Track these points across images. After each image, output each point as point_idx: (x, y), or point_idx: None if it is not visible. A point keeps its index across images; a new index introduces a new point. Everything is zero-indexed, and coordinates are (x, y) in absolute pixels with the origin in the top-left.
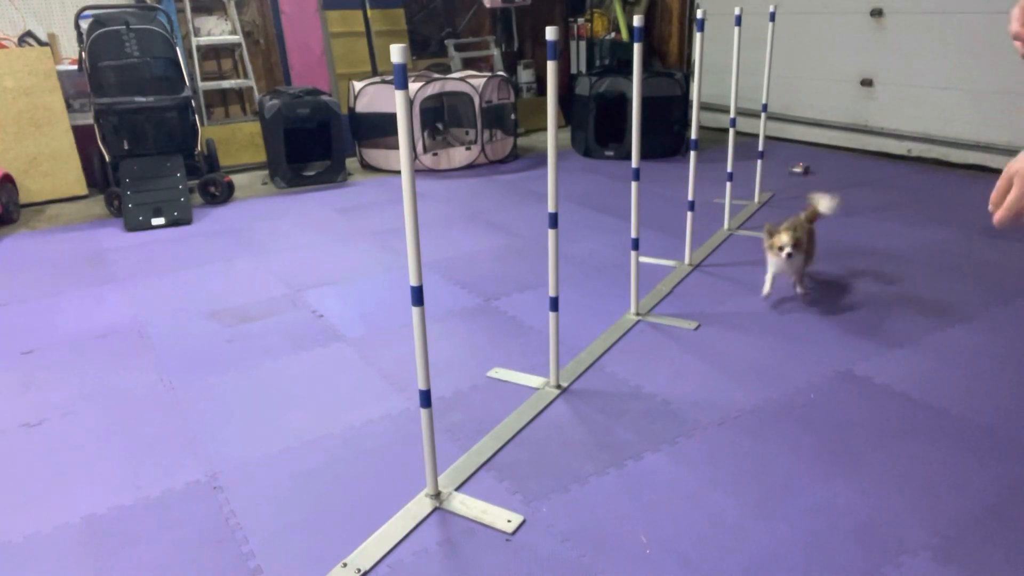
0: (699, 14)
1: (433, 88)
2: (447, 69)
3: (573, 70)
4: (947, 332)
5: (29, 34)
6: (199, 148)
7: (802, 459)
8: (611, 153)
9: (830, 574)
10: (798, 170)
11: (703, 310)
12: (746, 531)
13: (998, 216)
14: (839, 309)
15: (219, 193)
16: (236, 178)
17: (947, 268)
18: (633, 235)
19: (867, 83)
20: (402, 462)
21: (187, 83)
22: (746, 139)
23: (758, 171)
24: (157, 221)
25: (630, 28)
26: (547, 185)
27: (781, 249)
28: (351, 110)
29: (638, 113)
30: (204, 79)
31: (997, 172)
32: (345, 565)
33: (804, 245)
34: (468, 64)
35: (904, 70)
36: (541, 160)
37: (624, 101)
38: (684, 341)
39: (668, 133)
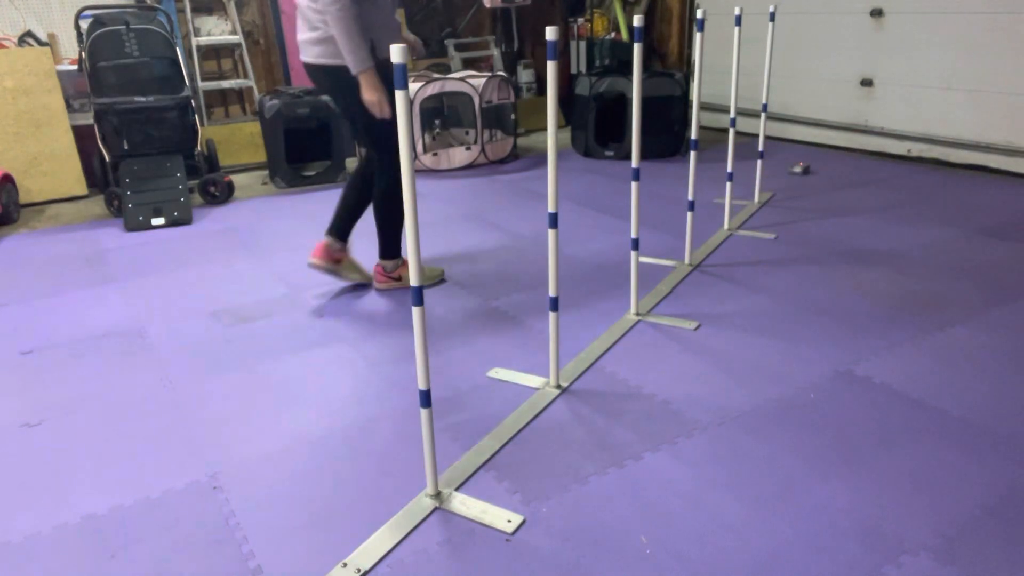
0: (699, 14)
1: (433, 88)
2: (447, 69)
3: (573, 70)
4: (947, 332)
5: (29, 34)
6: (199, 148)
7: (802, 459)
8: (611, 153)
9: (830, 574)
10: (798, 170)
11: (703, 310)
12: (746, 531)
13: None
14: (839, 309)
15: (219, 193)
16: (236, 178)
17: (947, 268)
18: (633, 235)
19: (867, 83)
20: (402, 462)
21: (187, 83)
22: (746, 139)
23: (758, 171)
24: (157, 221)
25: (630, 28)
26: (547, 185)
27: None
28: None
29: (638, 113)
30: (204, 79)
31: (997, 172)
32: (345, 565)
33: None
34: (468, 64)
35: (904, 70)
36: (541, 160)
37: (624, 101)
38: (684, 341)
39: (668, 133)
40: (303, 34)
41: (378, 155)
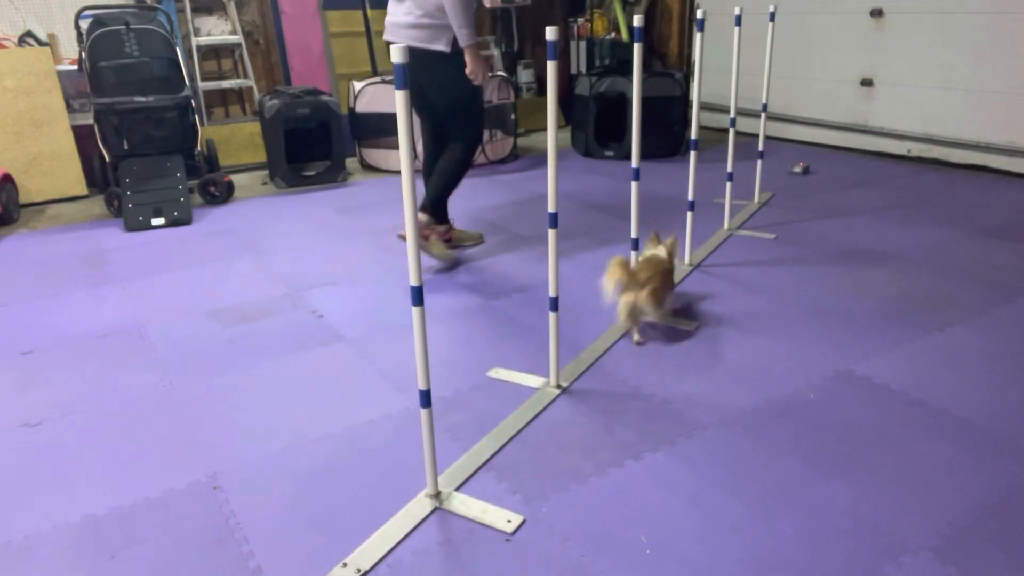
0: (699, 14)
1: None
2: None
3: (573, 70)
4: (947, 332)
5: (29, 34)
6: (199, 148)
7: (802, 459)
8: (611, 153)
9: (830, 574)
10: (798, 170)
11: (703, 310)
12: (746, 531)
13: None
14: (839, 309)
15: (219, 193)
16: (236, 178)
17: (947, 268)
18: (633, 235)
19: (867, 83)
20: (402, 462)
21: (187, 83)
22: (746, 139)
23: (758, 171)
24: (157, 221)
25: (630, 28)
26: (547, 185)
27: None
28: (351, 110)
29: (638, 113)
30: (204, 79)
31: (997, 172)
32: (345, 565)
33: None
34: None
35: (904, 70)
36: (541, 160)
37: (624, 101)
38: (684, 341)
39: (668, 133)
40: (395, 17)
41: (463, 124)
